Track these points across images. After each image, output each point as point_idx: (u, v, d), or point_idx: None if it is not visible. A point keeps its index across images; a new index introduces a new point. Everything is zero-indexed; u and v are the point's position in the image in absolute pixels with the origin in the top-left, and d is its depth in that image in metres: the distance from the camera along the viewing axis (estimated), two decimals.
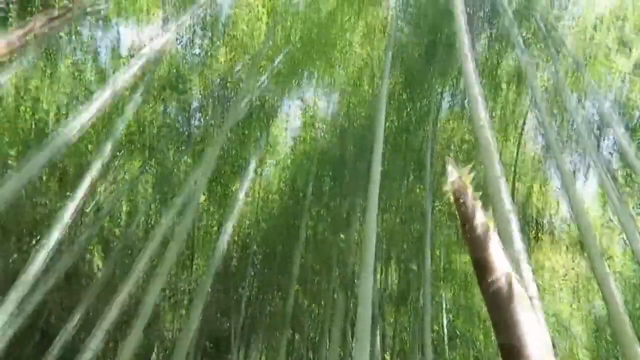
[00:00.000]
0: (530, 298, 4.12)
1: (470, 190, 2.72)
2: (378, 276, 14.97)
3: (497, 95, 14.86)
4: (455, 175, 2.94)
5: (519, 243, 4.22)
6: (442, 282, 16.16)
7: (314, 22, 13.85)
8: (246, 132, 15.22)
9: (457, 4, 7.91)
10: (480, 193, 2.62)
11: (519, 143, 15.10)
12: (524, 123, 15.36)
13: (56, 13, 8.73)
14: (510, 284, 2.01)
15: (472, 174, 2.80)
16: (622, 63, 12.77)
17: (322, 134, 17.31)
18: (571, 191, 8.91)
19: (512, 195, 13.67)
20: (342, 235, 14.95)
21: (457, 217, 2.72)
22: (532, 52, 13.45)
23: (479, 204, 2.62)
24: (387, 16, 14.99)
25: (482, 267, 2.21)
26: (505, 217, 4.39)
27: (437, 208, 14.34)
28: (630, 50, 12.72)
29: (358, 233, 14.55)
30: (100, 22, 14.39)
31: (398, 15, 14.04)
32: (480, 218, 2.47)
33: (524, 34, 13.15)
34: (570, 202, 8.76)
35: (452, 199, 2.86)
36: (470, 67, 6.56)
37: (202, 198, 15.16)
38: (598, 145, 13.18)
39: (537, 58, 14.05)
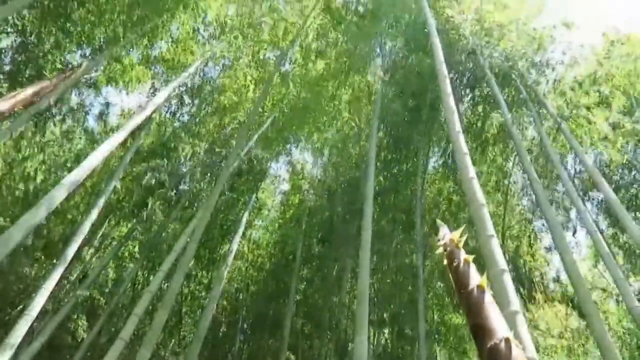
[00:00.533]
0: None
1: (462, 252, 2.70)
2: (372, 339, 14.71)
3: (483, 154, 15.11)
4: (447, 237, 2.92)
5: (515, 303, 4.18)
6: (436, 343, 15.83)
7: (302, 89, 14.17)
8: (235, 195, 15.25)
9: (441, 69, 8.16)
10: (474, 256, 2.60)
11: (506, 201, 15.23)
12: (509, 181, 15.56)
13: (47, 83, 8.85)
14: (510, 349, 1.97)
15: (464, 236, 2.78)
16: (600, 123, 13.12)
17: (310, 196, 17.37)
18: (563, 248, 8.90)
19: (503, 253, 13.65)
20: (334, 299, 14.75)
21: (451, 280, 2.68)
22: (514, 112, 13.81)
23: (472, 266, 2.59)
24: (374, 81, 15.37)
25: (480, 332, 2.16)
26: (499, 277, 4.35)
27: (427, 267, 14.24)
28: (609, 109, 13.09)
29: (349, 295, 14.38)
30: (90, 88, 14.62)
31: (383, 81, 14.37)
32: (475, 281, 2.44)
33: (506, 96, 13.53)
34: (562, 259, 8.72)
35: (444, 262, 2.82)
36: (455, 127, 6.67)
37: (190, 262, 14.98)
38: (584, 203, 13.33)
39: (519, 118, 14.42)
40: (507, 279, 4.38)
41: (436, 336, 15.44)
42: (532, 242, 15.98)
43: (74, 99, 14.38)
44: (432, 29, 9.79)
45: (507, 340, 2.04)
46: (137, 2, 11.53)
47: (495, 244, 4.80)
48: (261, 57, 14.40)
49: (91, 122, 15.46)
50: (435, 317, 15.62)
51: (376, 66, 14.84)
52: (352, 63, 13.90)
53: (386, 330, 15.94)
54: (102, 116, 15.42)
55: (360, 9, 13.66)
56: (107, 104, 15.39)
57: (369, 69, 14.87)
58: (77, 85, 12.20)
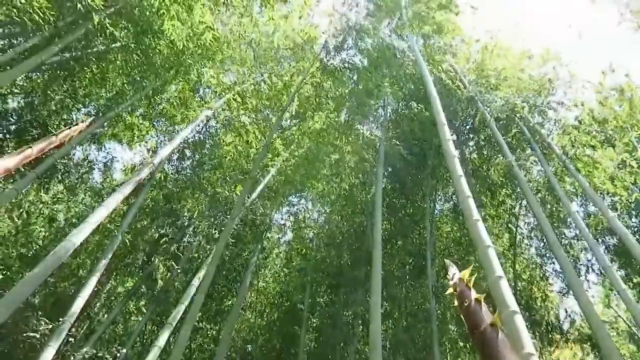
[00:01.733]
0: None
1: (473, 292, 2.64)
2: None
3: (492, 197, 15.11)
4: (457, 277, 2.86)
5: (529, 345, 4.06)
6: None
7: (302, 141, 14.27)
8: (240, 246, 15.19)
9: (440, 117, 8.39)
10: (485, 294, 2.54)
11: (515, 244, 15.09)
12: (517, 224, 15.46)
13: (53, 139, 8.95)
14: None
15: (474, 276, 2.73)
16: (605, 163, 13.13)
17: (316, 244, 17.27)
18: (577, 288, 8.79)
19: (515, 295, 13.44)
20: (346, 347, 14.43)
21: (464, 321, 2.62)
22: (518, 154, 13.88)
23: (484, 306, 2.53)
24: (376, 130, 15.54)
25: None
26: (511, 318, 4.26)
27: (440, 311, 13.97)
28: (613, 148, 13.11)
29: (361, 342, 14.07)
30: (94, 143, 14.83)
31: (386, 129, 14.53)
32: (487, 320, 2.37)
33: (509, 139, 13.64)
34: (578, 300, 8.59)
35: (455, 302, 2.76)
36: (457, 171, 6.75)
37: (198, 315, 14.80)
38: (597, 241, 13.20)
39: (524, 160, 14.48)
40: (519, 320, 4.30)
41: None
42: (543, 285, 15.70)
43: (78, 154, 14.61)
44: (428, 79, 10.19)
45: None
46: (136, 66, 11.83)
47: (505, 285, 4.74)
48: (260, 112, 14.54)
49: (95, 177, 15.62)
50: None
51: (377, 116, 15.04)
52: (352, 114, 14.03)
53: None
54: (106, 171, 15.58)
55: (358, 65, 13.88)
56: (112, 159, 15.59)
57: (370, 119, 15.03)
58: (81, 142, 12.32)
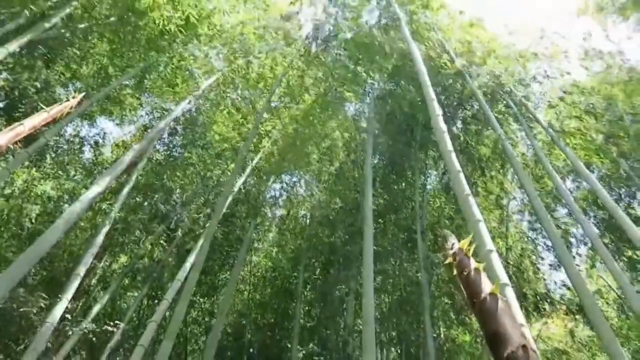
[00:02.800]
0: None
1: (472, 261, 2.67)
2: (381, 356, 14.62)
3: (482, 173, 15.20)
4: (456, 246, 2.89)
5: (520, 316, 4.18)
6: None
7: (291, 122, 14.20)
8: (234, 222, 15.23)
9: (429, 93, 8.37)
10: (484, 263, 2.58)
11: (506, 218, 15.20)
12: (509, 198, 15.58)
13: (45, 115, 8.84)
14: (527, 357, 1.94)
15: (473, 245, 2.76)
16: (593, 134, 13.22)
17: (309, 222, 17.36)
18: (566, 260, 8.94)
19: (506, 268, 13.59)
20: (340, 320, 14.62)
21: (462, 289, 2.65)
22: (506, 129, 13.91)
23: (484, 274, 2.57)
24: (364, 108, 15.54)
25: (496, 340, 2.13)
26: (502, 290, 4.37)
27: (432, 284, 14.12)
28: (596, 119, 13.20)
29: (355, 317, 14.24)
30: (85, 119, 14.69)
31: (374, 106, 14.53)
32: (487, 289, 2.41)
33: (496, 115, 13.69)
34: (567, 272, 8.74)
35: (454, 271, 2.79)
36: (447, 146, 6.76)
37: (193, 290, 14.87)
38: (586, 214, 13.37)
39: (512, 134, 14.54)
40: (510, 293, 4.42)
41: (445, 353, 15.19)
42: (534, 258, 15.88)
43: (69, 131, 14.46)
44: (416, 55, 10.08)
45: (524, 347, 2.00)
46: (122, 44, 11.67)
47: (495, 258, 4.85)
48: (249, 92, 14.42)
49: (86, 154, 15.46)
50: (443, 334, 15.40)
51: (365, 93, 14.96)
52: (340, 94, 13.96)
53: (394, 350, 15.80)
54: (97, 148, 15.43)
55: (342, 49, 13.78)
56: (104, 135, 15.44)
57: (358, 98, 14.95)
58: (73, 119, 12.19)
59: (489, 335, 2.33)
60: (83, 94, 10.85)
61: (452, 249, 2.97)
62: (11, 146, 9.17)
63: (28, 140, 8.96)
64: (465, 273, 2.70)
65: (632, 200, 14.50)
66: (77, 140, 14.85)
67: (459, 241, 3.02)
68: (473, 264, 2.73)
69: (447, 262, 2.98)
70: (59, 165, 14.12)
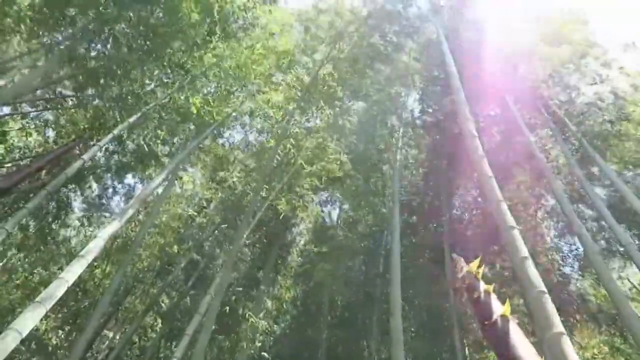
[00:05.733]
0: None
1: (482, 283, 2.59)
2: None
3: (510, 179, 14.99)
4: (465, 270, 2.82)
5: (558, 325, 3.94)
6: None
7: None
8: (254, 254, 15.18)
9: (460, 97, 8.22)
10: (493, 285, 2.50)
11: (536, 223, 14.81)
12: (539, 204, 15.21)
13: (51, 157, 9.08)
14: None
15: (482, 268, 2.68)
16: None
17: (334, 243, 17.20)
18: (599, 266, 8.73)
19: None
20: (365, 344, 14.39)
21: (474, 314, 2.57)
22: (537, 135, 13.68)
23: (493, 296, 2.48)
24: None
25: None
26: (539, 299, 4.19)
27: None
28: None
29: (381, 339, 14.00)
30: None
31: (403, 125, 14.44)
32: (498, 311, 2.33)
33: (528, 119, 13.47)
34: (600, 277, 8.54)
35: (465, 296, 2.72)
36: (478, 151, 6.57)
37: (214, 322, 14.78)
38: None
39: (543, 140, 14.29)
40: (547, 300, 4.21)
41: None
42: (561, 264, 15.43)
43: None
44: (451, 65, 9.80)
45: None
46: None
47: (531, 265, 4.65)
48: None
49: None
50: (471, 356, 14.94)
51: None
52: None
53: None
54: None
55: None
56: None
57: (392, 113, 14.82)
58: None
59: (501, 357, 2.25)
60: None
61: (461, 272, 2.90)
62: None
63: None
64: (475, 296, 2.62)
65: None
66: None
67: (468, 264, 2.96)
68: (482, 286, 2.65)
69: (457, 285, 2.91)
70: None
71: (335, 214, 18.89)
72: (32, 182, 9.53)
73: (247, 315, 10.74)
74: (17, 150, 11.92)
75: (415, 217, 15.61)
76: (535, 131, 13.43)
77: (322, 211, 18.02)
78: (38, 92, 11.12)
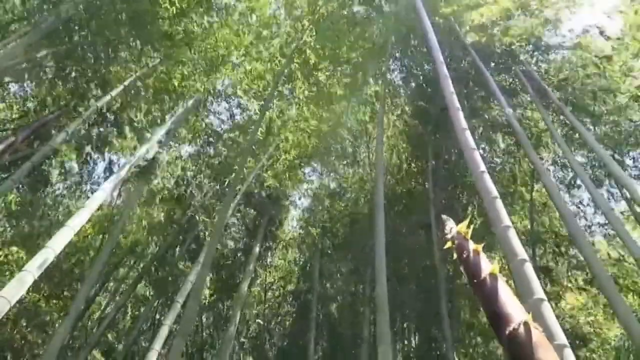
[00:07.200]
0: (560, 347, 3.91)
1: (471, 243, 2.58)
2: (399, 344, 14.52)
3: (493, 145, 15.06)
4: (454, 230, 2.80)
5: (539, 291, 4.08)
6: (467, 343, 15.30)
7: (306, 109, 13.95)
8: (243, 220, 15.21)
9: (442, 70, 8.10)
10: (483, 244, 2.49)
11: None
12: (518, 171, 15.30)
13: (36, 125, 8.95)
14: (529, 333, 1.83)
15: (471, 227, 2.67)
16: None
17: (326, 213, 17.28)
18: (578, 234, 8.81)
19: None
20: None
21: (463, 273, 2.57)
22: (514, 101, 13.68)
23: (483, 255, 2.47)
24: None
25: (497, 320, 2.04)
26: (521, 267, 4.29)
27: (448, 266, 13.96)
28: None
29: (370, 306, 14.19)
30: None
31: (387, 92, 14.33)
32: (487, 269, 2.32)
33: (507, 86, 13.42)
34: (579, 246, 8.65)
35: (455, 256, 2.71)
36: (461, 124, 6.57)
37: (207, 292, 14.95)
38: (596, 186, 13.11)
39: (522, 107, 14.30)
40: (529, 268, 4.32)
41: (470, 336, 14.97)
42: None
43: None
44: (430, 33, 9.60)
45: (525, 324, 1.92)
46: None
47: (513, 234, 4.72)
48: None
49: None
50: (466, 317, 15.13)
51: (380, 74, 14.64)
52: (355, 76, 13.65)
53: (413, 339, 15.75)
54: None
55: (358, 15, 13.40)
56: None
57: (375, 79, 14.68)
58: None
59: (490, 315, 2.26)
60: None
61: (450, 232, 2.91)
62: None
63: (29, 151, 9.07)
64: (464, 256, 2.63)
65: None
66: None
67: (457, 224, 2.97)
68: (472, 245, 2.67)
69: (446, 246, 2.92)
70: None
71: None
72: (11, 154, 9.37)
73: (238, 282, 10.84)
74: None
75: (399, 184, 15.67)
76: (513, 98, 13.42)
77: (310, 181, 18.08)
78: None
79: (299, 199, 18.28)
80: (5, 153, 8.68)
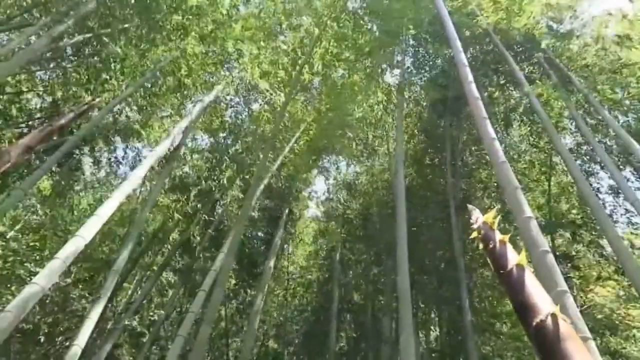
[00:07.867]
0: (584, 339, 3.91)
1: (497, 233, 2.61)
2: (421, 334, 14.55)
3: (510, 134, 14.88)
4: (480, 220, 2.83)
5: (561, 283, 4.06)
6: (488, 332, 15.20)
7: (327, 99, 13.96)
8: (267, 211, 15.32)
9: (460, 58, 7.90)
10: (510, 234, 2.52)
11: (549, 180, 14.73)
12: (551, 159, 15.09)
13: (71, 115, 9.08)
14: (557, 325, 1.86)
15: (497, 217, 2.69)
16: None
17: (344, 204, 17.34)
18: (606, 224, 8.67)
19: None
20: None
21: (490, 264, 2.60)
22: (537, 88, 13.48)
23: (509, 246, 2.50)
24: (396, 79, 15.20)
25: (524, 311, 2.07)
26: (543, 258, 4.26)
27: (468, 257, 13.92)
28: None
29: (392, 296, 14.22)
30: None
31: (405, 81, 14.21)
32: (513, 260, 2.35)
33: (526, 71, 13.23)
34: (607, 236, 8.52)
35: (480, 246, 2.73)
36: (481, 113, 6.45)
37: (231, 282, 15.15)
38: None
39: (545, 93, 14.08)
40: (551, 259, 4.28)
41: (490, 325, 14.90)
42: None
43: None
44: (447, 19, 9.50)
45: (553, 315, 1.94)
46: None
47: (535, 225, 4.66)
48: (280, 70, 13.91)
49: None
50: (487, 306, 15.05)
51: (398, 63, 14.52)
52: (374, 65, 13.56)
53: (436, 328, 15.76)
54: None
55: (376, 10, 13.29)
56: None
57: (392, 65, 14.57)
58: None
59: (517, 306, 2.28)
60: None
61: (477, 222, 2.92)
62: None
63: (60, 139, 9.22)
64: (490, 246, 2.65)
65: None
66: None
67: (484, 214, 2.98)
68: (498, 236, 2.68)
69: (472, 236, 2.94)
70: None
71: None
72: (43, 143, 9.53)
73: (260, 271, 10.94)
74: (28, 112, 11.98)
75: (419, 174, 15.62)
76: (534, 84, 13.22)
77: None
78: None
79: (319, 189, 18.45)
80: (46, 140, 8.84)
